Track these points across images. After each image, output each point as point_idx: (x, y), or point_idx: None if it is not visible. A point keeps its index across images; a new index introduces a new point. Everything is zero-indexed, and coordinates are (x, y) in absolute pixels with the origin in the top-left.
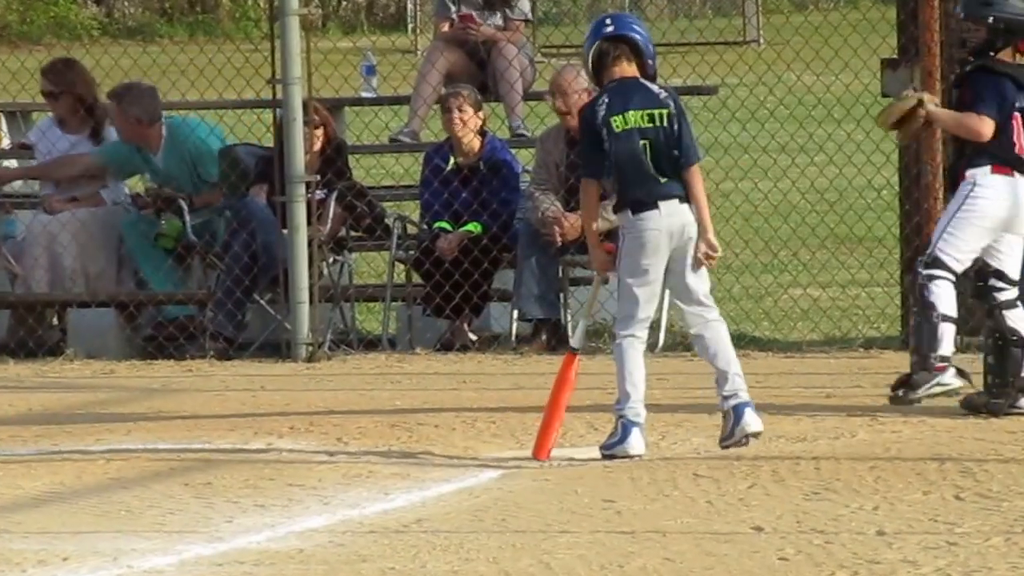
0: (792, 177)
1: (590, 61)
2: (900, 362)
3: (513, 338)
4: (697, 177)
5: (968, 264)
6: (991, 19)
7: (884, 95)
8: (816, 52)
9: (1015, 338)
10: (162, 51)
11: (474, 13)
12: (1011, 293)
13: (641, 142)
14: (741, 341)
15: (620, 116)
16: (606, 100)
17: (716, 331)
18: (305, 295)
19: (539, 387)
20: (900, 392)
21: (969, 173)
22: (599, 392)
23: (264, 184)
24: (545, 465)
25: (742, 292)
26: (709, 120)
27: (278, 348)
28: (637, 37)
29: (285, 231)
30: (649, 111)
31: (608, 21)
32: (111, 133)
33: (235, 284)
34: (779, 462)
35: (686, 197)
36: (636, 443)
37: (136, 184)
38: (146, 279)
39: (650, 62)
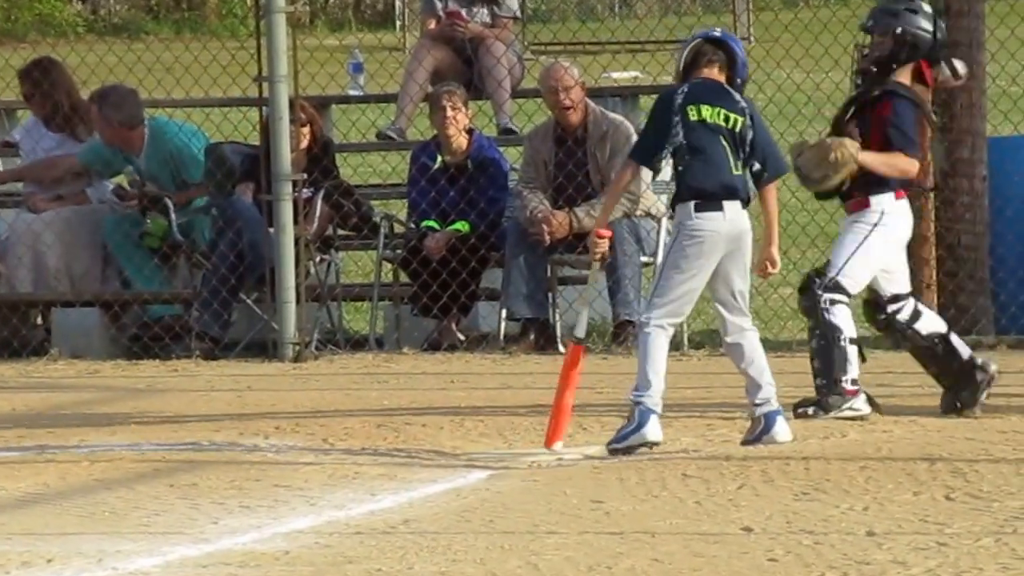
0: (782, 177)
1: (684, 58)
2: (889, 361)
3: (501, 337)
4: (774, 190)
5: (862, 288)
6: (899, 30)
7: None
8: (806, 49)
9: (839, 335)
10: (147, 48)
11: (462, 10)
12: (908, 307)
13: (719, 136)
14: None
15: (695, 107)
16: (685, 90)
17: (752, 341)
18: (292, 294)
19: (527, 387)
20: (810, 410)
21: (875, 200)
22: (588, 392)
23: (250, 183)
24: (534, 464)
25: None
26: None
27: (264, 348)
28: (737, 50)
29: (271, 230)
30: (726, 112)
31: (717, 30)
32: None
33: (221, 283)
34: (769, 462)
35: (748, 203)
36: (654, 430)
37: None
38: (130, 278)
39: (739, 80)
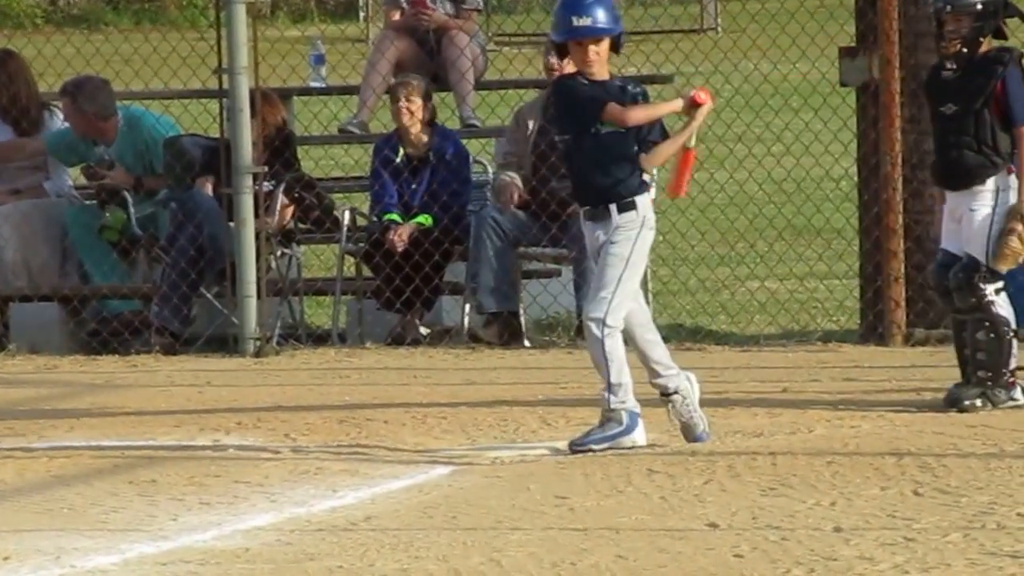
0: (749, 167)
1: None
2: (858, 355)
3: (465, 332)
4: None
5: None
6: (979, 6)
7: (842, 84)
8: (773, 40)
9: (1007, 327)
10: (106, 39)
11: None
12: (1000, 283)
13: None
14: (697, 335)
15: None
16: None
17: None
18: (253, 289)
19: (491, 382)
20: (977, 402)
21: (991, 182)
22: (552, 386)
23: (210, 176)
24: (497, 460)
25: (698, 285)
26: None
27: (225, 343)
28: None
29: (232, 224)
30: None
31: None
32: (54, 124)
33: (181, 278)
34: (735, 457)
35: None
36: (642, 433)
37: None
38: (90, 272)
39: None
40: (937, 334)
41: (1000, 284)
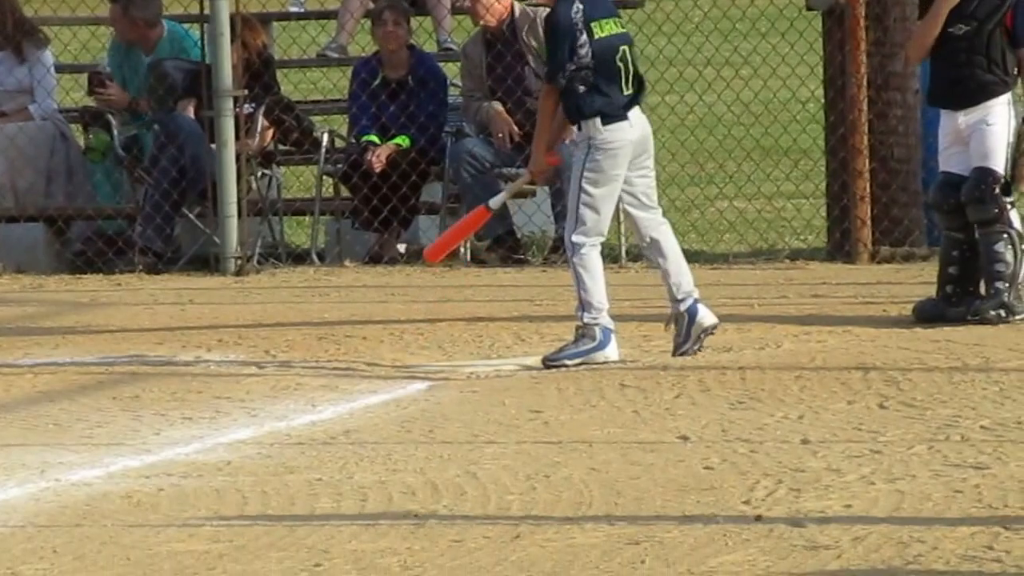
0: (717, 90)
1: None
2: (825, 273)
3: (468, 257)
4: None
5: None
6: None
7: (808, 8)
8: None
9: (1021, 238)
10: None
11: None
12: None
13: (621, 48)
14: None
15: (598, 22)
16: (580, 6)
17: (667, 234)
18: (233, 209)
19: (467, 299)
20: (995, 313)
21: (1003, 97)
22: (527, 304)
23: (192, 99)
24: (472, 375)
25: (668, 204)
26: (635, 33)
27: (207, 262)
28: None
29: (213, 145)
30: (616, 20)
31: None
32: (45, 57)
33: (163, 198)
34: (705, 372)
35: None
36: (614, 349)
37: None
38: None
39: None
40: (902, 251)
41: (1013, 198)
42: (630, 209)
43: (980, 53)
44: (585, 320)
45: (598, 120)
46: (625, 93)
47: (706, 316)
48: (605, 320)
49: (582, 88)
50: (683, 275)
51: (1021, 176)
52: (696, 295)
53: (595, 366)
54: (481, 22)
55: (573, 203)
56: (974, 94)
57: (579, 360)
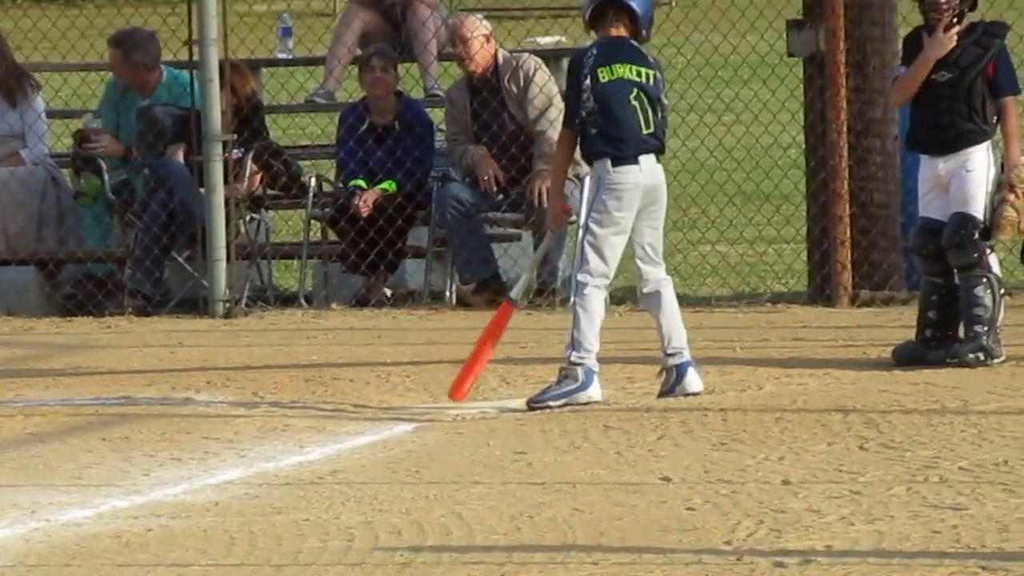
0: (700, 135)
1: (587, 15)
2: (806, 316)
3: (454, 300)
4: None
5: None
6: None
7: (790, 55)
8: (723, 13)
9: (1000, 283)
10: (81, 14)
11: None
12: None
13: (635, 91)
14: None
15: (608, 67)
16: (595, 52)
17: (668, 291)
18: (222, 252)
19: (452, 342)
20: (974, 356)
21: (985, 144)
22: (512, 346)
23: (182, 143)
24: (458, 417)
25: None
26: None
27: (196, 305)
28: (636, 8)
29: (203, 190)
30: (637, 67)
31: None
32: (36, 102)
33: (153, 242)
34: (688, 413)
35: (662, 152)
36: (597, 389)
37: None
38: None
39: (643, 31)
40: (882, 295)
41: (992, 242)
42: (635, 259)
43: (962, 101)
44: (572, 358)
45: (608, 161)
46: (645, 132)
47: (693, 382)
48: (591, 362)
49: (593, 131)
50: (675, 331)
51: (999, 224)
52: (687, 355)
53: (579, 408)
54: (470, 71)
55: (580, 242)
56: (954, 141)
57: (563, 401)
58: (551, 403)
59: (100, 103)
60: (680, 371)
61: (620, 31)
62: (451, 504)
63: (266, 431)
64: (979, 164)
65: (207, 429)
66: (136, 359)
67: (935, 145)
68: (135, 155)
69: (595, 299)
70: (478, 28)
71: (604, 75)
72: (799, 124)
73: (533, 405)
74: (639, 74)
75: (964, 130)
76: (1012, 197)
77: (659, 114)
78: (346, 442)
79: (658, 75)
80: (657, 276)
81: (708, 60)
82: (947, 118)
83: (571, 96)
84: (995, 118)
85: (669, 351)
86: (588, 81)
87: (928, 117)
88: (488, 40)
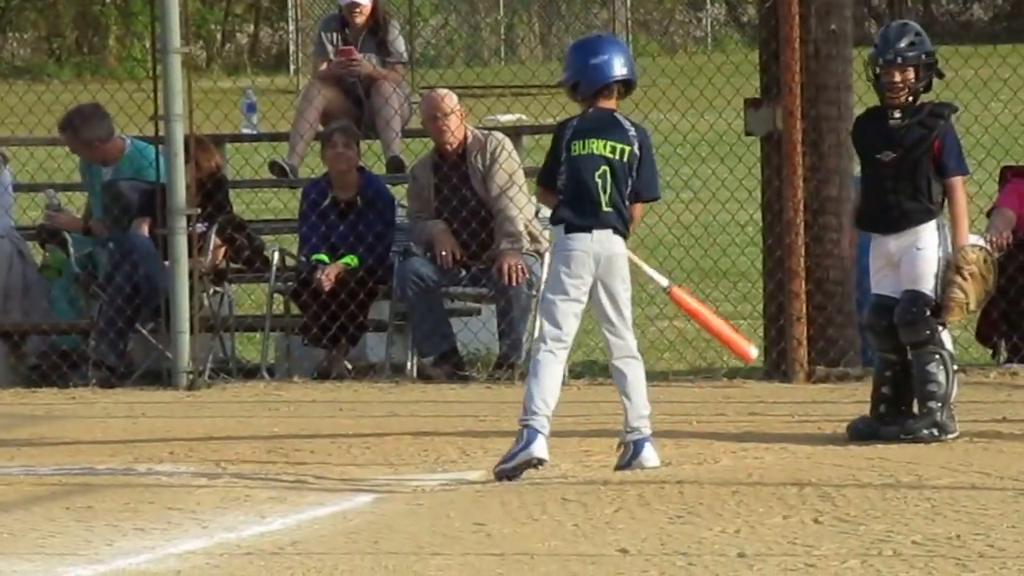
0: (659, 212)
1: (585, 89)
2: (762, 391)
3: (415, 373)
4: (641, 209)
5: None
6: (924, 56)
7: (747, 134)
8: (682, 92)
9: (952, 360)
10: (48, 90)
11: (352, 48)
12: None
13: (601, 168)
14: (609, 370)
15: (582, 141)
16: (574, 124)
17: (635, 369)
18: (186, 325)
19: (413, 415)
20: (927, 432)
21: (935, 223)
22: (471, 419)
23: (147, 217)
24: (418, 488)
25: None
26: None
27: (159, 376)
28: (633, 79)
29: (167, 263)
30: (612, 143)
31: (622, 61)
32: (3, 175)
33: (118, 314)
34: (645, 486)
35: (625, 231)
36: (541, 447)
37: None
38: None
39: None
40: (837, 371)
41: (943, 320)
42: (601, 329)
43: (906, 180)
44: (520, 419)
45: (562, 228)
46: (604, 208)
47: (650, 457)
48: (536, 423)
49: (560, 198)
50: (636, 407)
51: (947, 306)
52: (645, 432)
53: (538, 480)
54: (445, 145)
55: (539, 307)
56: (898, 220)
57: (514, 463)
58: (504, 466)
59: (80, 174)
60: (637, 447)
61: (610, 102)
62: (410, 575)
63: (228, 501)
64: (928, 243)
65: (170, 499)
66: (99, 430)
67: (881, 224)
68: (96, 231)
69: (545, 363)
70: (456, 104)
71: (576, 148)
72: (756, 202)
73: (497, 475)
74: (612, 150)
75: (908, 209)
76: (959, 279)
77: (624, 190)
78: (307, 512)
79: (635, 150)
80: (623, 351)
81: (667, 138)
82: (892, 197)
83: (549, 159)
84: (942, 198)
85: (630, 428)
86: (565, 152)
87: (874, 196)
88: (459, 116)
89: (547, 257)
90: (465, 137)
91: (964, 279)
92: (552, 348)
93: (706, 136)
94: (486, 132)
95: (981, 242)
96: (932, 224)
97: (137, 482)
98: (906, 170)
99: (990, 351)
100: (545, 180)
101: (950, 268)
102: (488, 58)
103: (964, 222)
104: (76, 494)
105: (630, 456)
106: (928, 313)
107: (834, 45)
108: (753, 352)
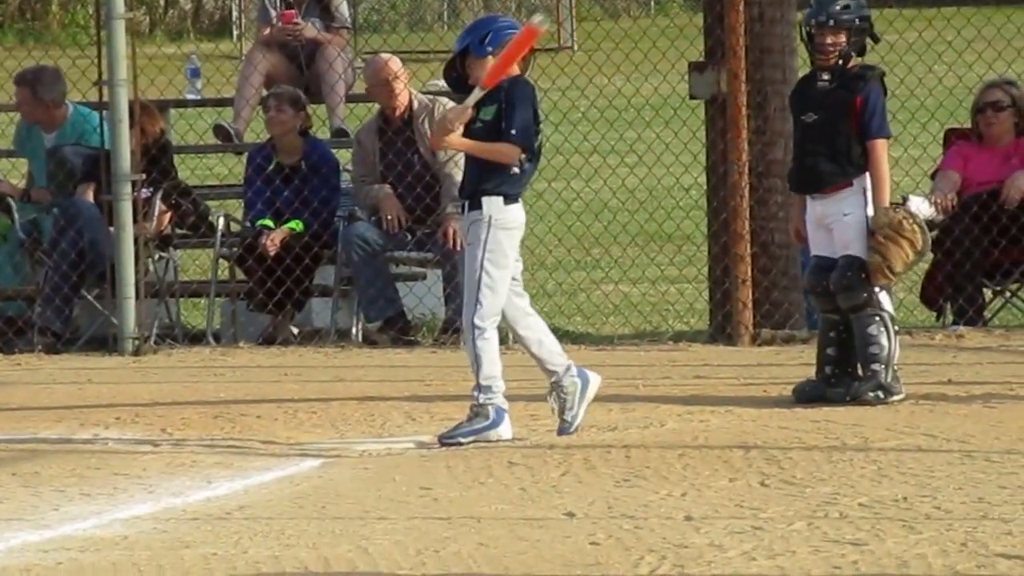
0: (603, 177)
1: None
2: (707, 355)
3: (360, 338)
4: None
5: None
6: (857, 21)
7: (692, 97)
8: (626, 55)
9: (893, 321)
10: None
11: (295, 12)
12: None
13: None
14: (555, 335)
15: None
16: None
17: (539, 322)
18: (131, 291)
19: (359, 379)
20: (872, 395)
21: (856, 183)
22: (417, 384)
23: (91, 183)
24: (364, 453)
25: (556, 288)
26: None
27: (105, 342)
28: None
29: (112, 228)
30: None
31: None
32: None
33: (63, 280)
34: (591, 450)
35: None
36: (507, 428)
37: None
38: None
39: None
40: (783, 334)
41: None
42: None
43: (825, 142)
44: (481, 400)
45: (500, 200)
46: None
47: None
48: (499, 400)
49: (515, 168)
50: (555, 359)
51: (871, 273)
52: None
53: (484, 444)
54: (390, 110)
55: (473, 284)
56: (817, 182)
57: (473, 438)
58: (461, 439)
59: (13, 141)
60: (582, 376)
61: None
62: (357, 539)
63: (174, 467)
64: (855, 207)
65: (116, 465)
66: (45, 396)
67: (804, 184)
68: (38, 198)
69: (494, 340)
70: (401, 69)
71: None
72: (701, 165)
73: (444, 441)
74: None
75: (824, 171)
76: (874, 242)
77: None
78: (253, 478)
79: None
80: (525, 309)
81: (611, 102)
82: (811, 159)
83: (535, 117)
84: (865, 160)
85: (553, 380)
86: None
87: (798, 158)
88: (407, 81)
89: (469, 226)
90: (410, 102)
91: (880, 242)
92: (494, 322)
93: (650, 100)
94: (432, 97)
95: (918, 204)
96: (856, 189)
97: (83, 448)
98: (826, 132)
99: (935, 314)
100: (527, 141)
101: (870, 234)
102: (432, 23)
103: (884, 185)
104: (22, 460)
105: (580, 389)
106: (864, 276)
107: (778, 8)
108: (536, 19)
